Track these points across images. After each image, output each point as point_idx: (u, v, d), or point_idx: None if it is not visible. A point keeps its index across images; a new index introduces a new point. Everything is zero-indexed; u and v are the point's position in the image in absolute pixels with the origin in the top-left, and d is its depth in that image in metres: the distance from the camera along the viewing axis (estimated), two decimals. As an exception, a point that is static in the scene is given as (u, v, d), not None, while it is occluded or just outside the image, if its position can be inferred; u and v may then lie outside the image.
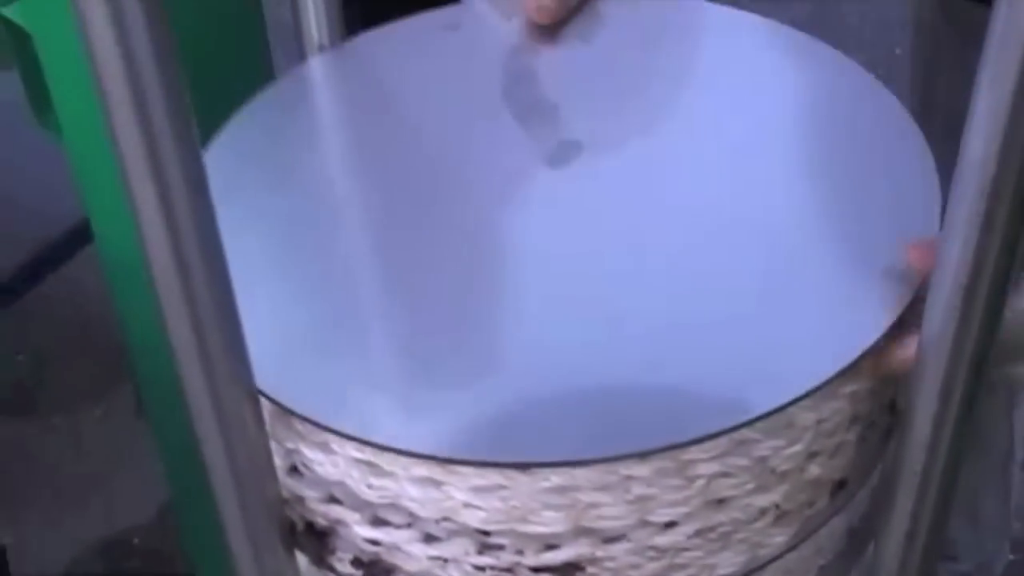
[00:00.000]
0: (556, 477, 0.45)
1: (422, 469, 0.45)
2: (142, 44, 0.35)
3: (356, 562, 0.50)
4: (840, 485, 0.51)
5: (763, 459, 0.47)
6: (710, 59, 0.62)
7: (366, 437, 0.45)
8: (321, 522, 0.50)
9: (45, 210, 1.58)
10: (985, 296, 0.44)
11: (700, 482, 0.46)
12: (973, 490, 1.26)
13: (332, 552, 0.50)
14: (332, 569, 0.50)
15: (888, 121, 0.57)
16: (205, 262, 0.40)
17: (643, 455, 0.45)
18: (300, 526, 0.51)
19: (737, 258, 0.51)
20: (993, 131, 0.40)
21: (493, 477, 0.45)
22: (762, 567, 0.50)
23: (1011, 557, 1.35)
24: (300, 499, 0.50)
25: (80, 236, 1.54)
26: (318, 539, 0.50)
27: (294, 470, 0.50)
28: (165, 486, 1.10)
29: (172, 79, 0.36)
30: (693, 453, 0.46)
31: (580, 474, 0.45)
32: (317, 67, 0.63)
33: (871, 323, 0.48)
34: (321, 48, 0.63)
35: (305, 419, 0.46)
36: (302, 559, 0.52)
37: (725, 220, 0.53)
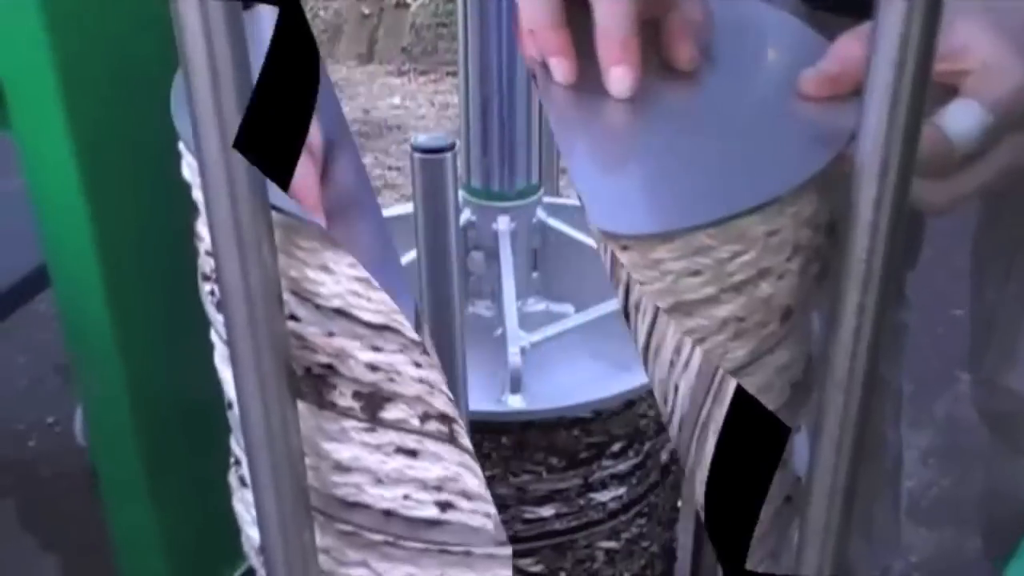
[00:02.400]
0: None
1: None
2: None
3: (356, 395, 0.53)
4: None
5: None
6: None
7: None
8: (322, 360, 0.53)
9: None
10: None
11: (718, 266, 0.54)
12: (865, 502, 1.32)
13: (333, 388, 0.53)
14: (333, 406, 0.54)
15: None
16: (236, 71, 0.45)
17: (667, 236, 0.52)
18: (300, 372, 0.54)
19: (714, 124, 0.62)
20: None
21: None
22: (761, 357, 0.57)
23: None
24: (300, 338, 0.53)
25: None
26: (319, 381, 0.54)
27: (292, 318, 0.53)
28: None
29: None
30: (705, 239, 0.53)
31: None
32: None
33: (812, 158, 0.56)
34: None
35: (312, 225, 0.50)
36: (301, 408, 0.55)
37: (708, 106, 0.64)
